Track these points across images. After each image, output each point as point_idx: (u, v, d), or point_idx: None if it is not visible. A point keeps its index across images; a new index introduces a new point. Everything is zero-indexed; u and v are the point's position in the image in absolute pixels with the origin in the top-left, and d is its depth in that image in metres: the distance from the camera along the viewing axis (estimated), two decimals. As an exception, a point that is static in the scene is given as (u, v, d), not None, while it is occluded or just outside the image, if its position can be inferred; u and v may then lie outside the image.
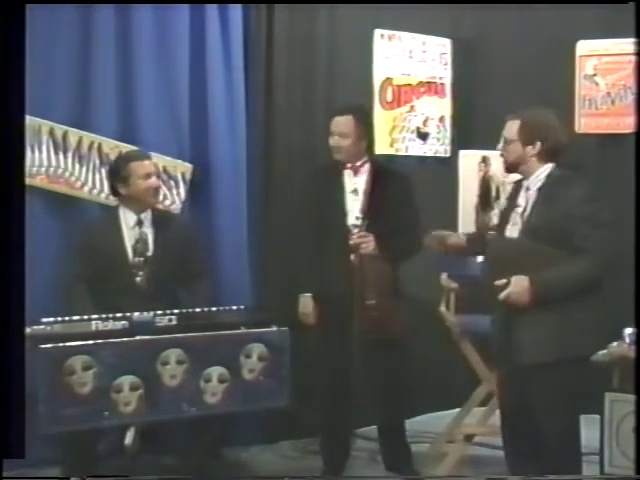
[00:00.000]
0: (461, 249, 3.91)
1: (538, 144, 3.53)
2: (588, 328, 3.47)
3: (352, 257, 4.08)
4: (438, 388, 5.09)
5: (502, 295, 3.43)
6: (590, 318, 3.47)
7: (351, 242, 4.07)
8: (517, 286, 3.41)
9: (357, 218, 4.10)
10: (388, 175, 4.30)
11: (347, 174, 4.22)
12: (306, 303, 4.22)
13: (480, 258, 3.86)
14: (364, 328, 4.04)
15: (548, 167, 3.56)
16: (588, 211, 3.42)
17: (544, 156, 3.55)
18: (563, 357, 3.43)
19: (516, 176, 3.73)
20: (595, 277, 3.45)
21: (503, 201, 3.88)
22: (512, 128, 3.58)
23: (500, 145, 3.64)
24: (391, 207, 4.14)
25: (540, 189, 3.54)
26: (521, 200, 3.60)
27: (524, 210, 3.56)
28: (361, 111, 4.35)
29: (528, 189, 3.58)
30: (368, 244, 4.07)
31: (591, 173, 4.76)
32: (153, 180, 4.03)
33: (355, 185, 4.19)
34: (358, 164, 4.21)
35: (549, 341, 3.45)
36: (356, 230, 4.08)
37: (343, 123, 4.17)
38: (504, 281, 3.42)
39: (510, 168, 3.67)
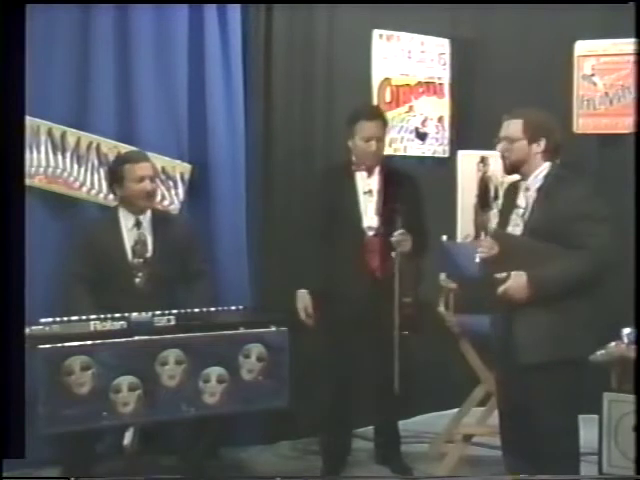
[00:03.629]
0: None
1: (543, 141, 3.55)
2: (584, 329, 3.48)
3: (393, 255, 4.04)
4: (438, 388, 5.09)
5: (500, 289, 3.44)
6: (586, 319, 3.47)
7: (392, 239, 4.03)
8: (515, 281, 3.43)
9: (373, 219, 4.12)
10: (399, 175, 4.31)
11: (360, 175, 4.22)
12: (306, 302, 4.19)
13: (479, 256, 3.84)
14: (398, 326, 4.01)
15: (546, 166, 3.57)
16: (589, 208, 3.45)
17: (547, 154, 3.56)
18: (559, 357, 3.43)
19: (514, 177, 3.72)
20: (595, 274, 3.45)
21: (502, 202, 3.86)
22: (515, 127, 3.57)
23: (501, 145, 3.61)
24: (406, 206, 4.12)
25: (540, 189, 3.54)
26: (521, 201, 3.60)
27: (525, 211, 3.56)
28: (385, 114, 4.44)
29: (528, 189, 3.58)
30: (407, 243, 4.06)
31: (589, 173, 4.76)
32: (146, 184, 3.98)
33: (369, 186, 4.20)
34: (372, 165, 4.21)
35: (545, 341, 3.45)
36: (372, 232, 4.12)
37: (377, 127, 4.21)
38: (504, 275, 3.44)
39: (512, 168, 3.63)
